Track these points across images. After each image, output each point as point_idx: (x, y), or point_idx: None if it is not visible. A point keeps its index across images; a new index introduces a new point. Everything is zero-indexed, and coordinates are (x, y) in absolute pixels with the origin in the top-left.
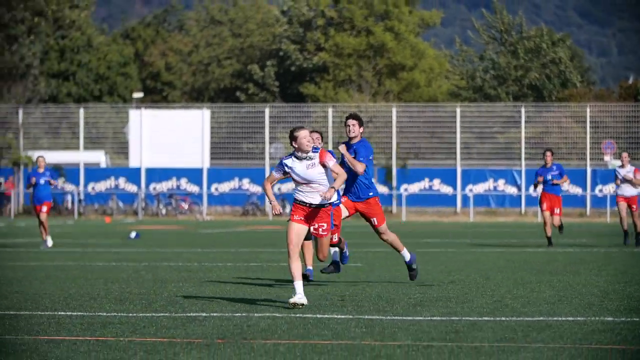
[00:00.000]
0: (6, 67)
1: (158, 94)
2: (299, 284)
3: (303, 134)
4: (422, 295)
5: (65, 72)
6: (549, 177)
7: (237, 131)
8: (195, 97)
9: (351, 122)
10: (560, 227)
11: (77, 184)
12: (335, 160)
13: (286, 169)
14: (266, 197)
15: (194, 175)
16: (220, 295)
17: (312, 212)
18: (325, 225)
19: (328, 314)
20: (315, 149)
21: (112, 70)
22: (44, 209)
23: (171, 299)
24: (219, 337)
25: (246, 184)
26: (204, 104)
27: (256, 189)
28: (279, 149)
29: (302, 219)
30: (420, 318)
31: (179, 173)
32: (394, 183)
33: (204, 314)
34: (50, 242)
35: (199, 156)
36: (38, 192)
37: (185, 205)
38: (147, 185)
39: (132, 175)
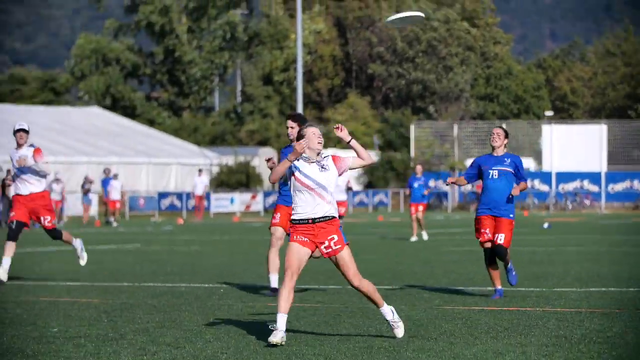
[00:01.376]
0: (444, 91)
1: (565, 113)
2: (281, 317)
3: (312, 130)
4: None
5: (490, 95)
6: None
7: (630, 142)
8: (594, 114)
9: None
10: None
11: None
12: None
13: (293, 169)
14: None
15: (594, 177)
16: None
17: (317, 229)
18: (336, 237)
19: None
20: (325, 156)
21: (527, 93)
22: (420, 208)
23: (577, 275)
24: (618, 308)
25: (636, 184)
26: (602, 120)
27: None
28: None
29: (306, 240)
30: None
31: (582, 176)
32: None
33: (603, 289)
34: (425, 236)
35: (597, 162)
36: (413, 193)
37: (588, 202)
38: (557, 185)
39: (545, 177)
